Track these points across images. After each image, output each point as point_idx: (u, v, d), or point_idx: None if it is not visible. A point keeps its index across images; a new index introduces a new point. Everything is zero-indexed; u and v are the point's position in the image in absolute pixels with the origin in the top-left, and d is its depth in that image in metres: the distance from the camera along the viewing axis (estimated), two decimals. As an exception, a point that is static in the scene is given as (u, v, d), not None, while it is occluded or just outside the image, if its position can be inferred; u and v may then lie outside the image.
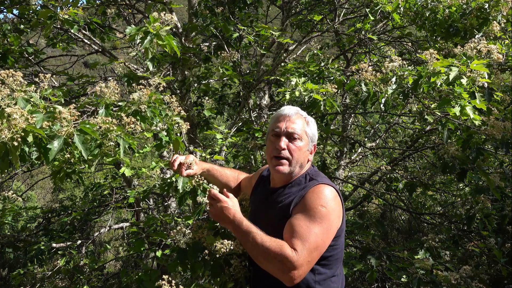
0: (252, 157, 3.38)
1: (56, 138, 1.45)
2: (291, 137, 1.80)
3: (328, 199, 1.67)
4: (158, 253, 2.82)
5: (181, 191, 1.93)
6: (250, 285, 1.84)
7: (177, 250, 1.87)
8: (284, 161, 1.79)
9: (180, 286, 1.67)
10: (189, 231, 1.85)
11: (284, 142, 1.79)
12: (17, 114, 1.36)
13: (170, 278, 1.64)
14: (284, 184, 1.84)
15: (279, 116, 1.86)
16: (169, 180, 2.05)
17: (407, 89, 2.52)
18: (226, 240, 1.81)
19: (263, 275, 1.72)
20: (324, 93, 2.79)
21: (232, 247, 1.79)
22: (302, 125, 1.83)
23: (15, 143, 1.33)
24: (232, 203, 1.74)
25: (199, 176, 1.99)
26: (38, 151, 1.44)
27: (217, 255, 1.80)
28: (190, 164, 1.96)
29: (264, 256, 1.61)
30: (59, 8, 2.88)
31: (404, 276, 2.83)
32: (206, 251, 1.85)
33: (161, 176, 2.41)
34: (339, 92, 3.46)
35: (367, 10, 3.58)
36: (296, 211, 1.69)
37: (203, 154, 3.09)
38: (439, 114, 2.80)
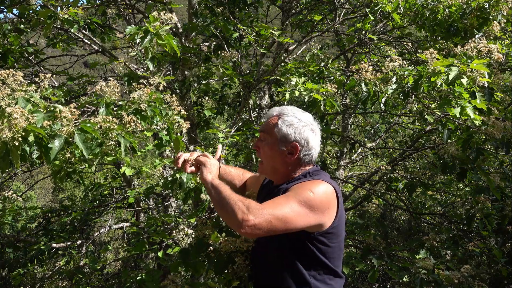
0: (253, 156, 3.38)
1: (57, 137, 1.45)
2: (259, 138, 1.84)
3: (319, 190, 1.65)
4: (160, 253, 2.81)
5: (185, 186, 1.93)
6: (252, 283, 1.85)
7: (180, 250, 1.87)
8: (260, 162, 1.83)
9: (186, 286, 1.67)
10: (191, 231, 1.85)
11: (255, 142, 1.83)
12: (17, 113, 1.36)
13: (175, 279, 1.64)
14: (284, 182, 1.84)
15: None
16: (172, 177, 2.05)
17: (407, 89, 2.51)
18: (230, 237, 1.82)
19: (264, 273, 1.72)
20: (324, 93, 2.79)
21: (236, 244, 1.80)
22: (270, 125, 1.80)
23: (16, 143, 1.33)
24: (210, 162, 1.80)
25: None
26: (39, 151, 1.44)
27: (221, 252, 1.80)
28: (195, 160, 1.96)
29: (229, 204, 1.57)
30: (59, 8, 2.88)
31: (406, 276, 2.83)
32: (210, 247, 1.85)
33: (163, 174, 2.40)
34: (339, 92, 3.45)
35: (367, 10, 3.57)
36: (289, 190, 1.69)
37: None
38: (439, 114, 2.81)
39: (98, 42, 3.87)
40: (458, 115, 2.33)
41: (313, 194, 1.63)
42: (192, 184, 1.97)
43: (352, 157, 5.71)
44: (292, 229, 1.59)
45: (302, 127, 1.78)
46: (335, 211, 1.70)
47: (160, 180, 2.19)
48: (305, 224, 1.61)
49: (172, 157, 3.87)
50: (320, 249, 1.68)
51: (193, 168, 1.95)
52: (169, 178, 2.07)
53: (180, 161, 1.93)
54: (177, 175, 2.02)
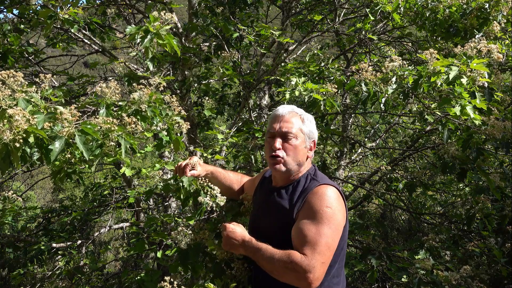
0: (252, 157, 3.38)
1: (57, 138, 1.45)
2: (286, 136, 1.82)
3: (332, 199, 1.69)
4: (159, 254, 2.81)
5: (188, 189, 1.93)
6: (252, 286, 1.84)
7: (178, 251, 1.87)
8: (280, 159, 1.81)
9: (182, 287, 1.67)
10: (190, 232, 1.85)
11: (279, 142, 1.81)
12: (18, 115, 1.36)
13: (172, 279, 1.64)
14: (285, 184, 1.84)
15: (274, 116, 1.88)
16: (175, 183, 2.04)
17: (407, 89, 2.51)
18: None
19: (264, 275, 1.72)
20: (324, 93, 2.79)
21: (231, 251, 1.79)
22: (296, 123, 1.84)
23: (17, 144, 1.33)
24: (234, 227, 1.78)
25: (203, 178, 1.99)
26: (39, 152, 1.44)
27: (217, 260, 1.81)
28: (194, 165, 1.96)
29: (277, 269, 1.64)
30: (59, 8, 2.88)
31: (405, 276, 2.83)
32: (207, 254, 1.85)
33: (162, 176, 2.40)
34: (339, 92, 3.45)
35: (367, 10, 3.57)
36: (302, 216, 1.69)
37: (205, 154, 3.09)
38: (439, 114, 2.80)
39: (98, 42, 3.86)
40: (458, 113, 2.33)
41: (331, 209, 1.67)
42: (192, 188, 1.96)
43: (352, 157, 5.70)
44: (335, 249, 1.68)
45: (314, 125, 1.89)
46: (345, 212, 1.76)
47: (160, 182, 2.18)
48: (340, 236, 1.69)
49: (172, 158, 3.87)
50: None
51: (193, 172, 1.95)
52: (169, 180, 2.07)
53: (188, 170, 1.93)
54: (178, 181, 2.01)
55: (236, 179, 2.19)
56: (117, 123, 1.65)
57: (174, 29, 4.18)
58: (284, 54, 4.16)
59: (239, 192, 2.17)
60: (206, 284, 1.76)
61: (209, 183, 1.96)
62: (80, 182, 2.16)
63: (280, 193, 1.82)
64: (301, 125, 1.85)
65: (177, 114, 2.05)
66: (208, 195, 1.89)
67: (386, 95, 2.55)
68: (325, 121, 4.00)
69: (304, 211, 1.70)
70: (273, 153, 1.81)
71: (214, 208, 1.91)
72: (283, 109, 1.87)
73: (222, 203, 1.89)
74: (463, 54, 2.44)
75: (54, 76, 4.12)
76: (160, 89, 2.10)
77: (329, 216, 1.65)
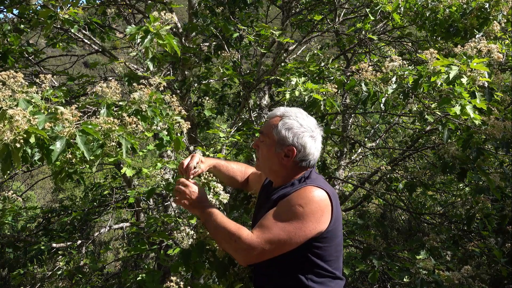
0: (254, 155, 3.38)
1: (58, 139, 1.45)
2: (259, 138, 1.85)
3: (310, 201, 1.64)
4: (161, 253, 2.81)
5: None
6: (253, 284, 1.85)
7: (180, 250, 1.87)
8: (257, 159, 1.85)
9: (188, 287, 1.68)
10: (192, 232, 1.85)
11: (256, 141, 1.85)
12: (19, 115, 1.36)
13: (178, 280, 1.65)
14: (280, 185, 1.82)
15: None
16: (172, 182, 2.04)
17: (407, 89, 2.51)
18: None
19: (263, 277, 1.73)
20: (324, 93, 2.78)
21: None
22: (270, 126, 1.80)
23: (18, 145, 1.34)
24: (195, 188, 1.80)
25: (206, 173, 1.99)
26: (40, 152, 1.44)
27: (218, 256, 1.81)
28: (197, 163, 1.96)
29: (221, 236, 1.67)
30: (59, 8, 2.88)
31: (406, 276, 2.83)
32: (210, 252, 1.85)
33: (164, 175, 2.40)
34: (339, 92, 3.45)
35: (367, 10, 3.57)
36: (277, 207, 1.69)
37: (207, 153, 3.09)
38: (439, 114, 2.81)
39: (98, 42, 3.86)
40: (458, 113, 2.33)
41: (302, 208, 1.62)
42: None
43: (352, 157, 5.70)
44: (290, 248, 1.62)
45: (302, 132, 1.76)
46: (329, 215, 1.68)
47: (162, 181, 2.18)
48: (302, 239, 1.62)
49: (173, 157, 3.87)
50: (315, 253, 1.67)
51: (196, 170, 1.95)
52: (170, 180, 2.07)
53: (190, 173, 1.93)
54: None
55: (240, 170, 2.16)
56: (118, 123, 1.65)
57: (174, 29, 4.18)
58: (284, 54, 4.16)
59: (244, 183, 2.15)
60: (212, 285, 1.77)
61: (214, 178, 1.96)
62: (80, 182, 2.17)
63: (274, 194, 1.81)
64: (273, 129, 1.78)
65: (178, 114, 2.05)
66: (211, 193, 1.89)
67: (386, 95, 2.55)
68: (325, 121, 4.00)
69: (280, 202, 1.69)
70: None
71: (217, 206, 1.91)
72: (271, 112, 1.85)
73: (225, 201, 1.89)
74: (463, 54, 2.44)
75: (54, 76, 4.12)
76: (160, 89, 2.10)
77: (297, 214, 1.61)
